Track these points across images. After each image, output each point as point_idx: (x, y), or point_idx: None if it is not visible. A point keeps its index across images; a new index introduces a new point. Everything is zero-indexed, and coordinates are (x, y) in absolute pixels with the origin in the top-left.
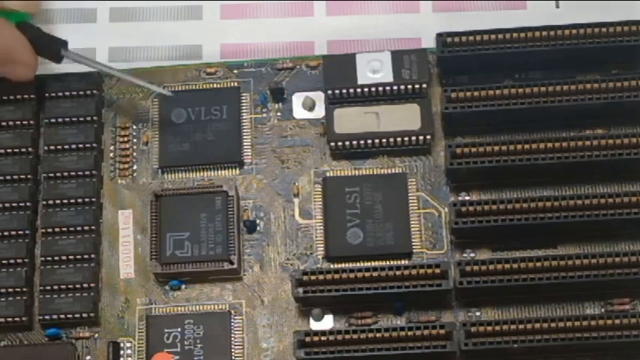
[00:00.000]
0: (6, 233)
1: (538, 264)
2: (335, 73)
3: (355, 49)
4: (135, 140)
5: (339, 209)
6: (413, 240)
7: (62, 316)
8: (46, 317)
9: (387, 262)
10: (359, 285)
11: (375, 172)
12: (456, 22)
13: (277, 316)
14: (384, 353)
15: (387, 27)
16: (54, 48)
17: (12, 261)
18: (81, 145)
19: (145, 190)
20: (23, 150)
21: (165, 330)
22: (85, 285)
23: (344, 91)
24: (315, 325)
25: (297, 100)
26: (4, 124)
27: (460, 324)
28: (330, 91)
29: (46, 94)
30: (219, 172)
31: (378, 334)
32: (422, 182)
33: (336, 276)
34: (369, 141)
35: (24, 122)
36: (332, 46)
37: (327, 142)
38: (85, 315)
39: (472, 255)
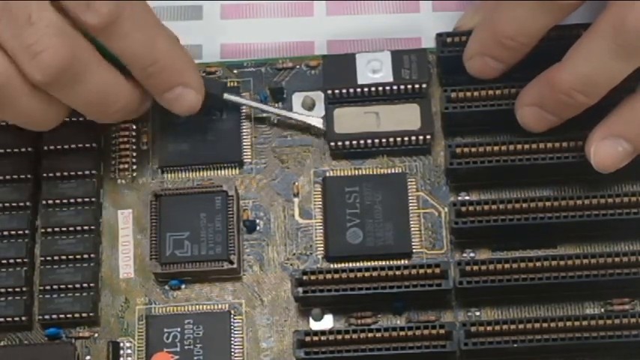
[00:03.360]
0: (6, 233)
1: (538, 264)
2: (335, 73)
3: (355, 49)
4: (135, 140)
5: (338, 209)
6: (413, 240)
7: (62, 315)
8: (46, 317)
9: (387, 262)
10: (359, 285)
11: (374, 172)
12: (455, 22)
13: (277, 315)
14: (384, 353)
15: (387, 27)
16: (216, 90)
17: (12, 261)
18: (81, 145)
19: (145, 190)
20: (23, 150)
21: (165, 330)
22: (85, 285)
23: (344, 90)
24: (314, 325)
25: (297, 99)
26: (4, 124)
27: (460, 324)
28: (329, 91)
29: None
30: (219, 172)
31: (378, 334)
32: (422, 182)
33: (336, 276)
34: (369, 141)
35: None
36: (332, 46)
37: (327, 142)
38: (84, 315)
39: (472, 255)
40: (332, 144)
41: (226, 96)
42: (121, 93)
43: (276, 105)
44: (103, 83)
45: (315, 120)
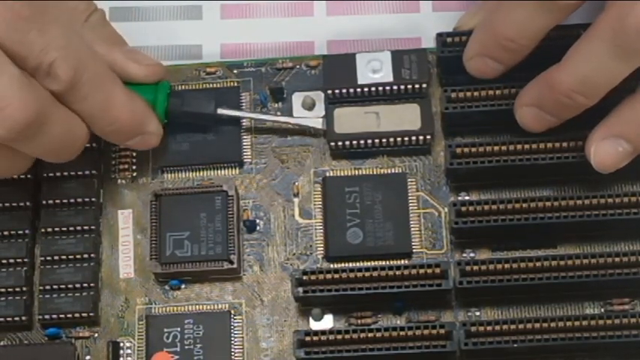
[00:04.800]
0: (6, 233)
1: (538, 264)
2: (335, 73)
3: (355, 49)
4: None
5: (338, 209)
6: (413, 240)
7: (62, 315)
8: (46, 317)
9: (387, 262)
10: (359, 285)
11: (374, 172)
12: (455, 22)
13: (277, 315)
14: (384, 353)
15: (387, 27)
16: (208, 108)
17: (12, 260)
18: None
19: (145, 190)
20: None
21: (165, 330)
22: (85, 285)
23: (344, 90)
24: (314, 325)
25: (297, 99)
26: None
27: (460, 324)
28: (329, 91)
29: None
30: (219, 172)
31: (378, 334)
32: (422, 182)
33: (336, 276)
34: (369, 141)
35: None
36: (332, 46)
37: (327, 142)
38: (84, 315)
39: (472, 255)
40: (332, 144)
41: (220, 111)
42: (81, 132)
43: (276, 105)
44: (64, 129)
45: (314, 121)
